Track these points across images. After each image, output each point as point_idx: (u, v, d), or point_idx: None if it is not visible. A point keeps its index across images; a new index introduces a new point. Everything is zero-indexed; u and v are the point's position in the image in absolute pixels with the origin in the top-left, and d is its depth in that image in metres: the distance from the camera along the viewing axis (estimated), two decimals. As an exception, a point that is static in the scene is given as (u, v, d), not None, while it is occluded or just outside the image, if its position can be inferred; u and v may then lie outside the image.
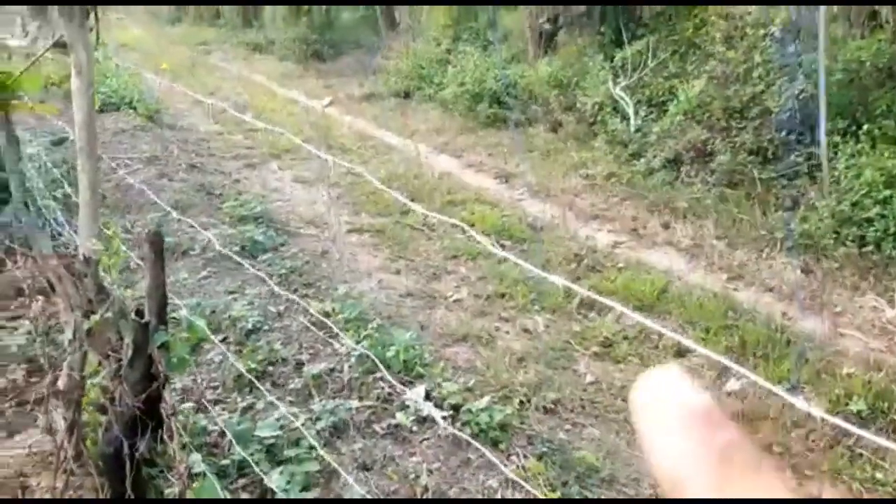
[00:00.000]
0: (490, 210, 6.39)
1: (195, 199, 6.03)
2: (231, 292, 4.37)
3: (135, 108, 8.41)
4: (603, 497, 2.89)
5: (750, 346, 4.10)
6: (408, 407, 3.16)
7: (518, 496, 2.77)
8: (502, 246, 5.56)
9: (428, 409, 3.07)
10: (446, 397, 3.27)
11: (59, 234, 4.06)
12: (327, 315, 4.17)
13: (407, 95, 11.16)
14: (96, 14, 1.95)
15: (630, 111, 7.79)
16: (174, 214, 4.76)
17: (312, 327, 3.96)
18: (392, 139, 9.31)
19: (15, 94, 2.19)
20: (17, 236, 3.98)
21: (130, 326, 1.85)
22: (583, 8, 8.97)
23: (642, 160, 7.20)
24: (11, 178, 2.18)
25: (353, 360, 3.52)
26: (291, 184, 7.25)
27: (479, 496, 2.76)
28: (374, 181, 3.11)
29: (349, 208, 6.58)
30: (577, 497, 2.84)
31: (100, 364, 2.01)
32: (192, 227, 5.06)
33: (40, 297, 3.78)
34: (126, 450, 1.92)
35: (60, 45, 2.14)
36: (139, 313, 1.82)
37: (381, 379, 3.36)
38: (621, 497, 2.91)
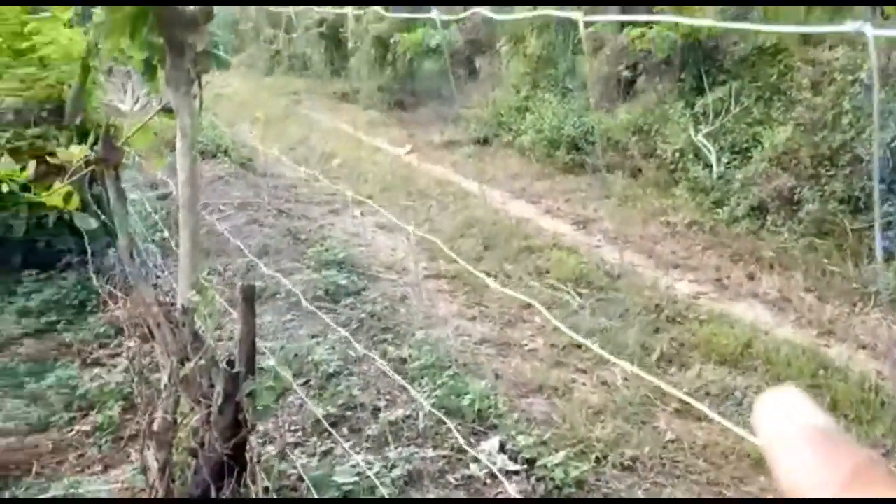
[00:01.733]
0: (567, 256, 6.36)
1: (282, 243, 6.29)
2: (313, 336, 4.52)
3: (229, 156, 8.90)
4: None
5: (842, 407, 3.90)
6: (481, 459, 3.16)
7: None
8: (579, 294, 5.53)
9: (502, 461, 3.06)
10: (521, 450, 3.25)
11: (158, 279, 4.34)
12: (404, 361, 4.26)
13: (486, 142, 11.34)
14: (200, 83, 2.12)
15: (712, 158, 7.65)
16: (262, 260, 4.99)
17: (390, 373, 4.04)
18: (470, 185, 9.46)
19: (125, 152, 2.39)
20: (119, 280, 4.27)
21: (221, 375, 1.96)
22: (662, 55, 8.93)
23: (725, 208, 7.04)
24: (120, 230, 2.36)
25: (428, 407, 3.55)
26: (372, 229, 7.45)
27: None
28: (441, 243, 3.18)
29: (427, 254, 6.69)
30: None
31: (192, 409, 2.13)
32: (279, 271, 5.29)
33: (137, 338, 4.03)
34: (213, 493, 2.02)
35: (167, 110, 2.33)
36: (230, 363, 1.93)
37: (456, 428, 3.38)
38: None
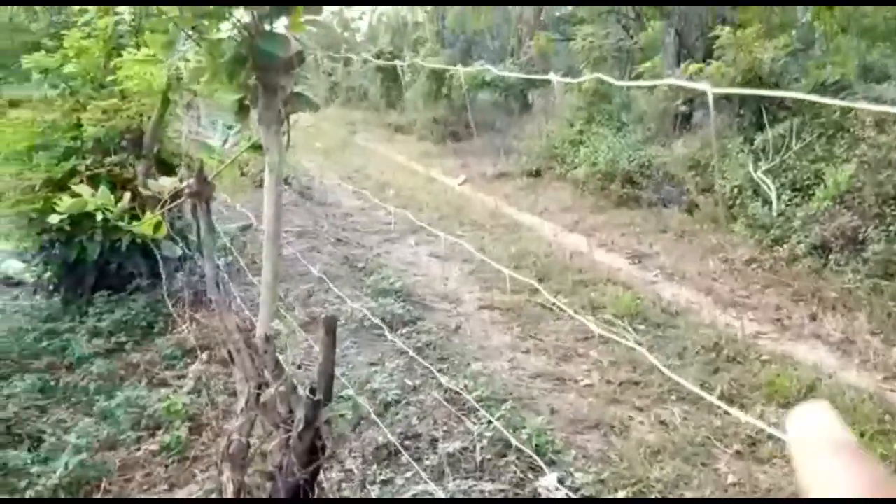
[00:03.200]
0: (622, 292, 6.32)
1: (340, 271, 6.43)
2: (372, 364, 4.59)
3: (290, 185, 9.17)
4: None
5: (912, 456, 3.77)
6: (540, 494, 3.16)
7: None
8: (635, 330, 5.49)
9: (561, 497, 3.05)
10: (579, 488, 3.24)
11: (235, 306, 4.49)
12: (459, 392, 4.29)
13: (538, 174, 11.40)
14: (289, 122, 2.24)
15: (772, 195, 7.54)
16: (321, 287, 5.11)
17: (446, 403, 4.08)
18: (523, 217, 9.51)
19: (214, 186, 2.52)
20: (188, 304, 4.44)
21: (302, 402, 2.03)
22: (721, 89, 8.89)
23: (785, 246, 6.91)
24: (207, 261, 2.48)
25: (485, 441, 3.58)
26: (427, 258, 7.55)
27: None
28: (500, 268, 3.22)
29: (480, 284, 6.74)
30: None
31: (269, 434, 2.21)
32: (338, 297, 5.41)
33: (206, 361, 4.17)
34: (288, 516, 2.08)
35: (256, 147, 2.46)
36: (313, 391, 2.00)
37: (514, 463, 3.40)
38: None
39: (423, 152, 13.02)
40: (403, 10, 21.28)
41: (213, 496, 2.94)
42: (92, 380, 4.33)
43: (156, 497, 3.44)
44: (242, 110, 2.34)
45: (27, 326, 4.96)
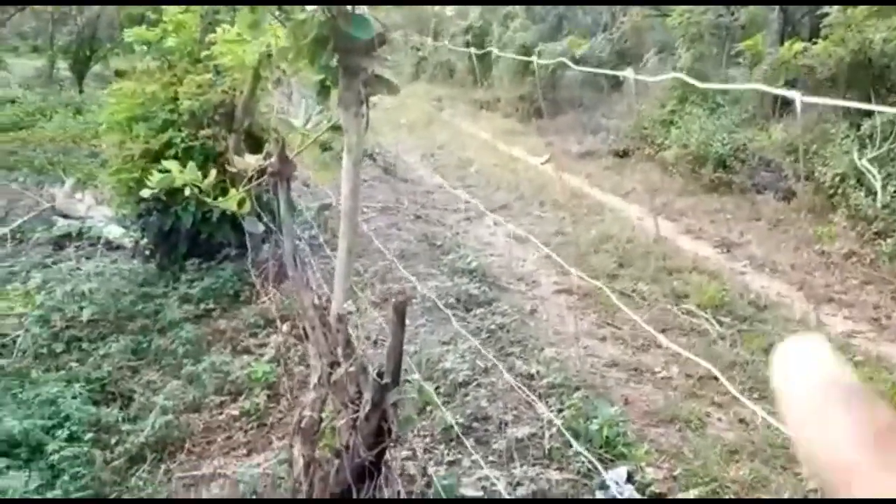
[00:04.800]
0: (708, 281, 6.08)
1: (418, 248, 6.48)
2: (444, 343, 4.62)
3: (374, 160, 9.28)
4: None
5: None
6: (608, 487, 3.11)
7: None
8: (720, 322, 5.28)
9: (629, 492, 3.00)
10: (650, 483, 3.17)
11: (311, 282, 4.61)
12: (531, 377, 4.26)
13: (626, 154, 11.08)
14: (367, 105, 2.24)
15: (877, 184, 7.04)
16: (399, 264, 5.17)
17: (517, 388, 4.06)
18: (607, 198, 9.28)
19: (295, 166, 2.57)
20: (272, 275, 4.59)
21: (370, 384, 2.07)
22: (827, 71, 8.32)
23: (889, 240, 6.46)
24: (286, 238, 2.54)
25: (554, 428, 3.54)
26: (504, 239, 7.50)
27: None
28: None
29: (558, 267, 6.63)
30: None
31: (338, 412, 2.26)
32: (414, 275, 5.46)
33: (285, 333, 4.30)
34: (353, 493, 2.13)
35: (336, 128, 2.47)
36: (380, 374, 2.03)
37: (582, 453, 3.35)
38: None
39: (508, 130, 12.87)
40: (494, -17, 20.98)
41: (281, 467, 3.04)
42: (181, 344, 4.55)
43: (234, 458, 3.61)
44: (324, 91, 2.37)
45: (125, 289, 5.26)
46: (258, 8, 2.37)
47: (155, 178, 2.58)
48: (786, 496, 3.38)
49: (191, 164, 2.66)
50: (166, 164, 2.61)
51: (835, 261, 6.54)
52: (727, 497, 3.27)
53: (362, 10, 2.17)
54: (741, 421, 4.00)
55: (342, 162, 2.27)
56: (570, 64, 8.16)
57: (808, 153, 8.17)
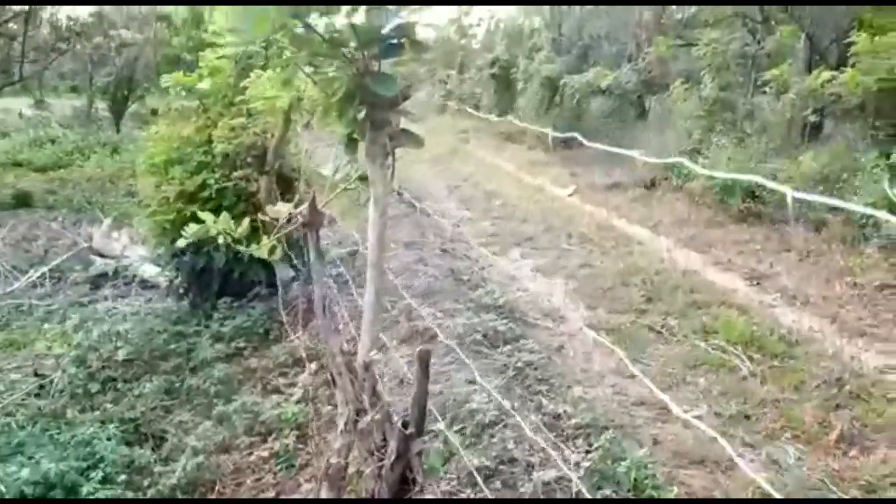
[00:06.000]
0: (737, 316, 6.01)
1: (444, 284, 6.52)
2: (470, 381, 4.62)
3: (400, 195, 9.40)
4: None
5: None
6: (637, 532, 3.08)
7: None
8: (750, 359, 5.21)
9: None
10: (679, 529, 3.13)
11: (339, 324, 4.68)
12: (558, 417, 4.24)
13: (652, 185, 11.06)
14: (394, 156, 2.31)
15: (911, 215, 6.94)
16: (426, 301, 5.21)
17: (544, 428, 4.04)
18: (634, 230, 9.26)
19: (324, 216, 2.65)
20: (301, 315, 4.67)
21: (395, 433, 2.10)
22: (854, 100, 8.27)
23: (925, 272, 6.35)
24: (316, 286, 2.61)
25: (582, 471, 3.52)
26: (530, 273, 7.51)
27: None
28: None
29: (585, 302, 6.62)
30: None
31: (364, 459, 2.29)
32: (441, 311, 5.50)
33: (313, 375, 4.35)
34: (379, 542, 2.15)
35: (363, 179, 2.55)
36: (405, 424, 2.07)
37: (610, 497, 3.33)
38: None
39: (532, 161, 12.96)
40: (520, 16, 21.28)
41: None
42: (213, 383, 4.63)
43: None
44: (351, 143, 2.45)
45: (158, 328, 5.39)
46: (290, 66, 2.47)
47: (191, 229, 2.69)
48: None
49: (224, 214, 2.76)
50: (201, 214, 2.71)
51: (867, 293, 6.43)
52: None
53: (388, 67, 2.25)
54: (773, 462, 3.93)
55: (368, 208, 2.34)
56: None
57: (837, 182, 8.09)
